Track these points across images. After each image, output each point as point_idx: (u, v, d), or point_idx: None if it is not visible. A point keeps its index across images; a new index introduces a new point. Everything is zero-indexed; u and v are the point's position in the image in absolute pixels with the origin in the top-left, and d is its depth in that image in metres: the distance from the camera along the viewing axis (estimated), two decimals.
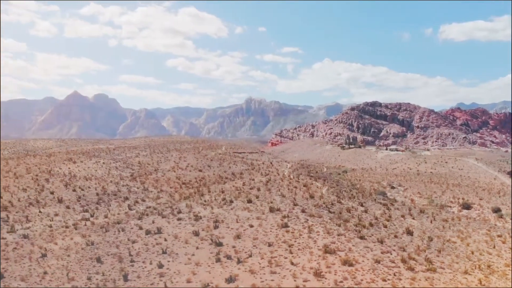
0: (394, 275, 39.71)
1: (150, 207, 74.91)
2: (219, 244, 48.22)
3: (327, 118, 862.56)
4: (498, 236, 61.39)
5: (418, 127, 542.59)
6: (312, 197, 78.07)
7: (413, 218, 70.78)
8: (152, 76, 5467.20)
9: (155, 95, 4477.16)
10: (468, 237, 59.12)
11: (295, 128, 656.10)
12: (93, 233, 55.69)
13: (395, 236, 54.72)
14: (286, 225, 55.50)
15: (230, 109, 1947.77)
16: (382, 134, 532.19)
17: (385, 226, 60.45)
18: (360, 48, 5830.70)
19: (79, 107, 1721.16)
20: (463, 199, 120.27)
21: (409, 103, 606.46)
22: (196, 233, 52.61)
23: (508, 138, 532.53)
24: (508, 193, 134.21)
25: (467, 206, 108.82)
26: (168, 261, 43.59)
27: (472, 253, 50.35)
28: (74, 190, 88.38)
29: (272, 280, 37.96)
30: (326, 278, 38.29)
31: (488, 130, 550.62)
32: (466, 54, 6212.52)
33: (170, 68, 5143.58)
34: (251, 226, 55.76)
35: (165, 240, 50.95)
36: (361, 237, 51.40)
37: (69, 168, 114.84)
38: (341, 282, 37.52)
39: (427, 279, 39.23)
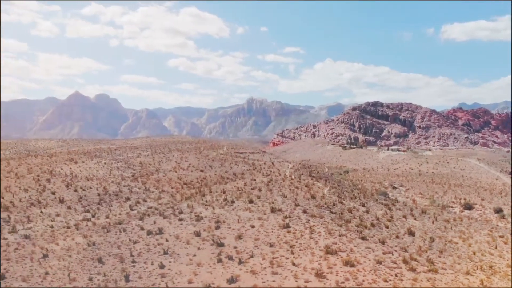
0: (396, 276, 39.65)
1: (151, 207, 74.89)
2: (221, 245, 48.19)
3: (328, 118, 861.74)
4: (500, 236, 61.26)
5: (419, 127, 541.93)
6: (313, 197, 78.02)
7: (415, 219, 70.66)
8: (153, 76, 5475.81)
9: (157, 95, 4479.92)
10: (470, 238, 59.01)
11: (297, 128, 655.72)
12: (94, 233, 55.72)
13: (397, 237, 54.63)
14: (287, 226, 55.45)
15: (232, 109, 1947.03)
16: (383, 134, 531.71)
17: (387, 227, 60.36)
18: (362, 48, 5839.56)
19: (81, 107, 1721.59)
20: (465, 199, 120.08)
21: (410, 103, 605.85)
22: (197, 234, 52.59)
23: (510, 138, 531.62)
24: (510, 194, 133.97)
25: (469, 207, 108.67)
26: (170, 262, 43.58)
27: (474, 253, 50.25)
28: (75, 191, 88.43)
29: (274, 281, 37.92)
30: (327, 279, 38.24)
31: (490, 130, 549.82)
32: (468, 54, 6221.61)
33: (171, 68, 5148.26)
34: (253, 226, 55.71)
35: (167, 240, 50.93)
36: (363, 238, 51.33)
37: (70, 168, 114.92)
38: (343, 283, 37.47)
39: (428, 280, 39.17)
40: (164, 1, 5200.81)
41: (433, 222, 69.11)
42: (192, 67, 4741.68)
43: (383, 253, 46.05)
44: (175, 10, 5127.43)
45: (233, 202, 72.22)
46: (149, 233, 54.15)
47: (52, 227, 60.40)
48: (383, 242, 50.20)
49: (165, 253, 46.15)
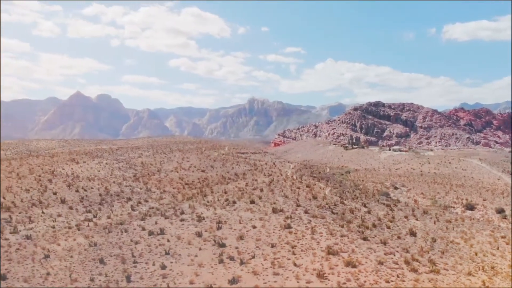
0: (398, 276, 39.57)
1: (153, 207, 74.92)
2: (222, 245, 48.18)
3: (330, 118, 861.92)
4: (502, 237, 61.18)
5: (421, 127, 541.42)
6: (315, 198, 77.98)
7: (417, 219, 70.61)
8: (154, 76, 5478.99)
9: (158, 95, 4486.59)
10: (472, 238, 58.97)
11: (298, 129, 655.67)
12: (96, 234, 55.74)
13: (398, 237, 54.57)
14: (289, 226, 55.42)
15: (233, 109, 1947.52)
16: (385, 134, 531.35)
17: (388, 227, 60.30)
18: (363, 48, 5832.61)
19: (82, 108, 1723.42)
20: (466, 199, 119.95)
21: (412, 103, 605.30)
22: (199, 234, 52.59)
23: None
24: (511, 194, 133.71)
25: (470, 207, 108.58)
26: (171, 262, 43.56)
27: (476, 254, 50.18)
28: (77, 191, 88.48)
29: (275, 282, 37.88)
30: (329, 280, 38.17)
31: (492, 130, 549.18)
32: (469, 54, 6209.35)
33: (172, 68, 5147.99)
34: (254, 227, 55.69)
35: (168, 241, 50.93)
36: (364, 238, 51.26)
37: (72, 168, 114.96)
38: (344, 283, 37.40)
39: (430, 281, 39.08)
40: (166, 1, 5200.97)
41: (434, 223, 69.07)
42: (194, 67, 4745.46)
43: (385, 254, 45.97)
44: (177, 10, 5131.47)
45: (234, 202, 72.20)
46: (151, 233, 54.17)
47: (53, 227, 60.43)
48: (384, 243, 50.13)
49: (167, 253, 46.14)
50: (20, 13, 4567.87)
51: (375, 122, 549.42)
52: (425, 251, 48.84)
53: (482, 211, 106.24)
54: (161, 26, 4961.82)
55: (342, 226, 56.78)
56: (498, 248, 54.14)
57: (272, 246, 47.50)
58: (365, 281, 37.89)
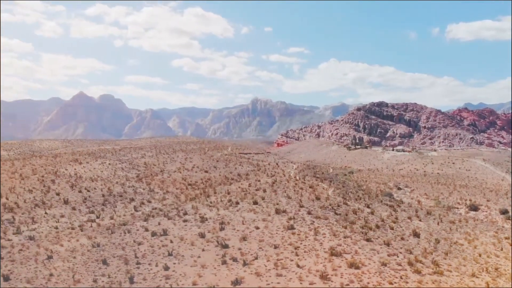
0: (401, 278, 39.46)
1: (156, 208, 74.90)
2: (225, 246, 48.11)
3: (333, 118, 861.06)
4: (506, 238, 60.90)
5: (425, 127, 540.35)
6: (318, 198, 77.87)
7: (420, 220, 70.42)
8: (158, 76, 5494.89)
9: (161, 96, 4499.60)
10: (476, 239, 58.73)
11: (301, 129, 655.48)
12: (99, 234, 55.74)
13: (402, 238, 54.43)
14: (292, 227, 55.33)
15: (236, 110, 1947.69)
16: (388, 134, 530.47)
17: (392, 228, 60.15)
18: (366, 48, 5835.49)
19: (85, 108, 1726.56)
20: (470, 200, 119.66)
21: (415, 103, 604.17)
22: (202, 235, 52.55)
23: None
24: None
25: (474, 208, 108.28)
26: (174, 263, 43.52)
27: (480, 255, 49.96)
28: (80, 191, 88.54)
29: (278, 283, 37.81)
30: (332, 281, 38.08)
31: (496, 130, 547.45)
32: (473, 54, 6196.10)
33: (175, 68, 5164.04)
34: (257, 228, 55.62)
35: (171, 242, 50.89)
36: (368, 239, 51.15)
37: (75, 169, 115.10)
38: (348, 285, 37.30)
39: (434, 282, 38.95)
40: (169, 1, 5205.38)
41: (438, 224, 68.88)
42: (197, 67, 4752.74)
43: (388, 255, 45.86)
44: (180, 10, 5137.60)
45: (237, 203, 72.15)
46: (154, 234, 54.14)
47: (56, 228, 60.48)
48: (388, 244, 50.01)
49: (170, 254, 46.10)
50: (23, 13, 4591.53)
51: (378, 122, 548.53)
52: (429, 252, 48.69)
53: (486, 212, 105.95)
54: (164, 26, 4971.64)
55: (345, 227, 56.66)
56: (502, 249, 53.90)
57: (275, 247, 47.44)
58: (368, 283, 37.79)
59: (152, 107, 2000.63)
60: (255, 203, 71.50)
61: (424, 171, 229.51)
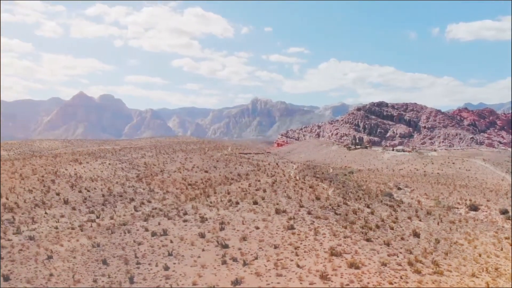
0: (401, 278, 39.46)
1: (156, 208, 74.89)
2: (225, 246, 48.11)
3: (333, 118, 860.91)
4: (506, 238, 60.88)
5: (425, 127, 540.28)
6: (318, 198, 77.87)
7: (420, 220, 70.42)
8: (158, 76, 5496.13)
9: (161, 96, 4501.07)
10: (476, 239, 58.73)
11: (301, 129, 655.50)
12: (99, 234, 55.74)
13: (402, 238, 54.43)
14: (292, 227, 55.33)
15: (236, 110, 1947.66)
16: (388, 134, 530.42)
17: (392, 228, 60.14)
18: (366, 48, 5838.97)
19: (85, 108, 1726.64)
20: (470, 200, 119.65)
21: (415, 103, 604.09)
22: (202, 235, 52.55)
23: None
24: None
25: (474, 208, 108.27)
26: (174, 263, 43.52)
27: (480, 255, 49.96)
28: (80, 191, 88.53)
29: (278, 283, 37.81)
30: (332, 281, 38.08)
31: (496, 130, 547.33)
32: (473, 54, 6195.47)
33: (175, 68, 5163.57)
34: (257, 228, 55.62)
35: (171, 242, 50.89)
36: (368, 240, 51.15)
37: (75, 169, 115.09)
38: (348, 285, 37.31)
39: (434, 282, 38.95)
40: (169, 1, 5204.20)
41: (438, 224, 68.87)
42: (197, 67, 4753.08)
43: (388, 255, 45.86)
44: (180, 10, 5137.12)
45: (237, 203, 72.15)
46: (154, 234, 54.14)
47: (56, 228, 60.48)
48: (388, 244, 50.01)
49: (170, 254, 46.10)
50: (23, 13, 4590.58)
51: (378, 122, 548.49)
52: (429, 252, 48.69)
53: (486, 212, 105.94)
54: (164, 26, 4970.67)
55: (345, 227, 56.66)
56: (502, 249, 53.89)
57: (275, 247, 47.45)
58: (368, 283, 37.79)
59: (152, 107, 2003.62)
60: (255, 203, 71.50)
61: (424, 171, 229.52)
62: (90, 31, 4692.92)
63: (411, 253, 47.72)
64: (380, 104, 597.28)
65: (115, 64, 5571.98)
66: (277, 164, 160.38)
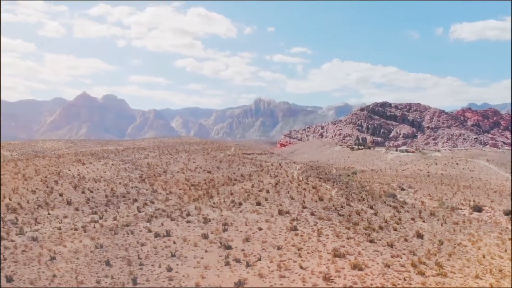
0: (404, 279, 39.33)
1: (159, 209, 74.94)
2: (228, 247, 48.07)
3: (336, 118, 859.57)
4: (510, 239, 60.65)
5: (428, 127, 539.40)
6: (321, 199, 77.77)
7: (424, 221, 70.19)
8: (161, 76, 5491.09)
9: (164, 96, 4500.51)
10: (479, 241, 58.51)
11: (304, 129, 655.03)
12: (102, 235, 55.77)
13: (405, 240, 54.26)
14: (295, 228, 55.27)
15: (239, 110, 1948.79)
16: (392, 135, 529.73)
17: (395, 229, 59.97)
18: (369, 48, 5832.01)
19: (88, 108, 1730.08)
20: (474, 201, 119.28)
21: (419, 104, 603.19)
22: (205, 236, 52.52)
23: None
24: None
25: (478, 209, 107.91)
26: (177, 265, 43.48)
27: (483, 257, 49.76)
28: (83, 192, 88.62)
29: (281, 284, 37.75)
30: (335, 283, 37.98)
31: (500, 130, 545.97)
32: (477, 54, 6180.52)
33: (179, 68, 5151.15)
34: (260, 229, 55.56)
35: (174, 243, 50.86)
36: (371, 241, 51.01)
37: (78, 169, 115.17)
38: (351, 286, 37.20)
39: (437, 284, 38.81)
40: (172, 1, 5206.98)
41: (442, 225, 68.65)
42: (200, 68, 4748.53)
43: (392, 257, 45.72)
44: (183, 10, 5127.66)
45: (240, 204, 72.14)
46: (157, 235, 54.13)
47: (59, 229, 60.55)
48: (391, 245, 49.87)
49: (173, 255, 46.07)
50: (25, 13, 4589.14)
51: (381, 123, 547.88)
52: (432, 253, 48.52)
53: (490, 212, 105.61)
54: (167, 26, 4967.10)
55: (349, 228, 56.56)
56: (506, 251, 53.64)
57: (278, 249, 47.38)
58: (371, 284, 37.68)
59: (155, 107, 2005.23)
60: (258, 204, 71.48)
61: (428, 172, 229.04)
62: (93, 31, 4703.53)
63: (414, 254, 47.56)
64: (384, 104, 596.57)
65: (118, 64, 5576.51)
66: (280, 164, 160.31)
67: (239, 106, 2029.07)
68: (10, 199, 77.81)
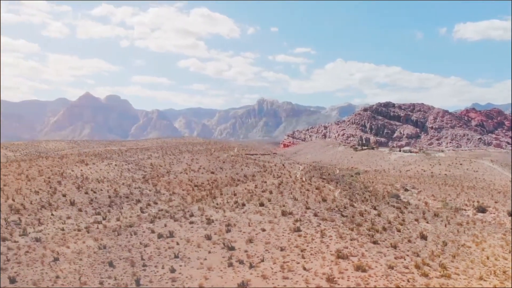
0: (408, 281, 39.17)
1: (162, 210, 74.88)
2: (231, 248, 47.99)
3: (339, 119, 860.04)
4: None
5: (432, 128, 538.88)
6: (324, 200, 77.64)
7: (427, 222, 70.03)
8: (164, 77, 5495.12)
9: (167, 96, 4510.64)
10: (483, 242, 58.26)
11: (308, 129, 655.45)
12: (105, 236, 55.73)
13: (409, 241, 54.10)
14: (298, 229, 55.16)
15: (242, 110, 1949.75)
16: (395, 135, 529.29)
17: (399, 230, 59.80)
18: (373, 48, 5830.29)
19: (91, 108, 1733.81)
20: (478, 202, 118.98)
21: (423, 104, 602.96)
22: (208, 237, 52.44)
23: None
24: None
25: (482, 209, 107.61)
26: (180, 266, 43.42)
27: (487, 258, 49.53)
28: (86, 193, 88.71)
29: (285, 286, 37.63)
30: (338, 284, 37.86)
31: (504, 131, 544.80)
32: (481, 54, 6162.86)
33: (182, 68, 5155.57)
34: (263, 230, 55.48)
35: (177, 244, 50.78)
36: (374, 242, 50.88)
37: (81, 170, 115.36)
38: None
39: (441, 285, 38.64)
40: (175, 1, 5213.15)
41: (445, 226, 68.44)
42: (203, 68, 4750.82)
43: (395, 258, 45.57)
44: (186, 10, 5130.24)
45: (243, 205, 72.08)
46: (160, 236, 54.06)
47: (63, 229, 60.55)
48: (395, 247, 49.72)
49: (176, 256, 45.99)
50: (28, 13, 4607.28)
51: (385, 123, 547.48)
52: (436, 255, 48.34)
53: (494, 213, 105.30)
54: (170, 26, 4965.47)
55: (352, 229, 56.43)
56: (510, 252, 53.41)
57: (282, 250, 47.28)
58: (375, 286, 37.54)
59: (159, 107, 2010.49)
60: (261, 204, 71.40)
61: (431, 172, 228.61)
62: (96, 32, 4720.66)
63: (418, 255, 47.39)
64: (387, 105, 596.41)
65: (121, 64, 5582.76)
66: (283, 165, 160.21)
67: (242, 107, 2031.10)
68: (13, 200, 77.97)
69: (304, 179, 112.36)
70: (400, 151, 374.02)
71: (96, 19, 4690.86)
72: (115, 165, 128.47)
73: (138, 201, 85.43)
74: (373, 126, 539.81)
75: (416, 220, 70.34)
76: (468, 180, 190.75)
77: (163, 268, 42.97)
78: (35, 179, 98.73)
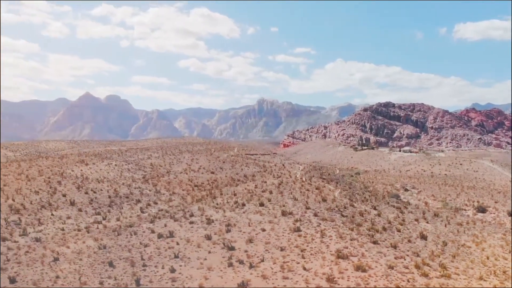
0: (408, 281, 39.17)
1: (162, 210, 74.86)
2: (231, 248, 47.99)
3: (339, 119, 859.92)
4: None
5: (432, 128, 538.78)
6: (324, 200, 77.64)
7: (427, 222, 70.03)
8: (164, 77, 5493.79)
9: (167, 96, 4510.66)
10: (483, 242, 58.26)
11: (308, 129, 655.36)
12: (105, 236, 55.71)
13: (409, 241, 54.10)
14: (298, 229, 55.16)
15: (242, 110, 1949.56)
16: (395, 135, 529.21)
17: (399, 230, 59.80)
18: (373, 48, 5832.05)
19: (91, 108, 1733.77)
20: (478, 202, 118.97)
21: (423, 104, 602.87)
22: (208, 237, 52.44)
23: None
24: None
25: (482, 209, 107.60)
26: (180, 266, 43.41)
27: (487, 258, 49.53)
28: (86, 193, 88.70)
29: (284, 286, 37.62)
30: (338, 284, 37.85)
31: (504, 131, 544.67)
32: (481, 54, 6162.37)
33: (182, 68, 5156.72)
34: (263, 230, 55.47)
35: (177, 244, 50.78)
36: (374, 242, 50.87)
37: (81, 170, 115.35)
38: None
39: (441, 286, 38.63)
40: (175, 1, 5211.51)
41: (445, 226, 68.44)
42: (203, 68, 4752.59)
43: (395, 258, 45.57)
44: (186, 10, 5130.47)
45: (243, 205, 72.07)
46: (160, 236, 54.05)
47: (63, 229, 60.55)
48: (395, 247, 49.72)
49: (176, 256, 45.99)
50: (28, 14, 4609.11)
51: (385, 123, 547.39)
52: (436, 255, 48.34)
53: (494, 213, 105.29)
54: (170, 26, 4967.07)
55: (352, 229, 56.43)
56: (510, 252, 53.41)
57: (282, 250, 47.28)
58: (375, 286, 37.53)
59: (159, 107, 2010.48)
60: (261, 204, 71.40)
61: (432, 172, 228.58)
62: (96, 32, 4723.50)
63: (418, 255, 47.39)
64: (387, 105, 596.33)
65: (122, 64, 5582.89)
66: (283, 165, 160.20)
67: (242, 107, 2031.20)
68: (13, 200, 77.97)
69: (304, 179, 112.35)
70: (400, 151, 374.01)
71: (96, 19, 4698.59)
72: (115, 165, 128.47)
73: (138, 201, 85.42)
74: (373, 126, 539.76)
75: (416, 220, 70.34)
76: (468, 180, 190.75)
77: (163, 268, 42.96)
78: (35, 179, 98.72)
